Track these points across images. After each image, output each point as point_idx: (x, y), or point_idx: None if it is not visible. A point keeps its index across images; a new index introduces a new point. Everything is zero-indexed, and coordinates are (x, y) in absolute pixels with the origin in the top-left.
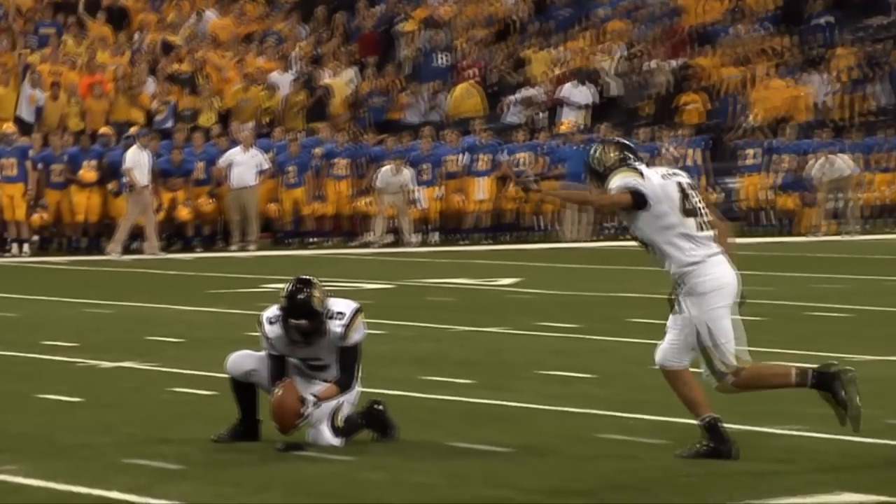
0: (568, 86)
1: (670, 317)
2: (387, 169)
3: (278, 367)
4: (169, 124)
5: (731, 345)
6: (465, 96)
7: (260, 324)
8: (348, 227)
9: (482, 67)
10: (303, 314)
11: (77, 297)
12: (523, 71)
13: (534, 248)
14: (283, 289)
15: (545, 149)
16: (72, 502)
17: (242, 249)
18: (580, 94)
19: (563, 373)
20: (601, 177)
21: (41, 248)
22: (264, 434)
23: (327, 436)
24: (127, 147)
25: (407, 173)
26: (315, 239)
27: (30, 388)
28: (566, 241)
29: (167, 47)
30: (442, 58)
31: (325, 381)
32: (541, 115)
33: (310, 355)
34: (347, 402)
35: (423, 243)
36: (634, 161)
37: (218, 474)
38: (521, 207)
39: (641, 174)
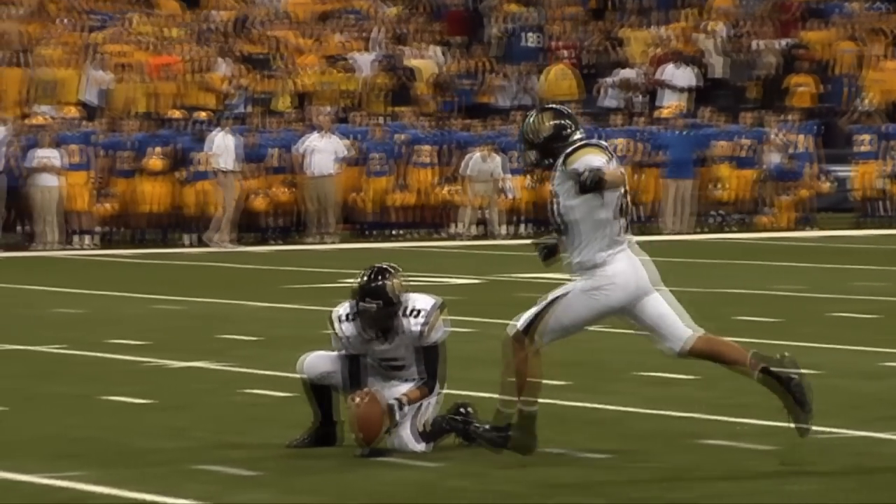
0: (669, 67)
1: None
2: (476, 156)
3: (354, 367)
4: (242, 108)
5: (556, 332)
6: (559, 78)
7: (332, 322)
8: (433, 219)
9: (577, 48)
10: (376, 296)
11: (145, 293)
12: (621, 51)
13: None
14: (359, 274)
15: (645, 134)
16: None
17: (321, 242)
18: (682, 75)
19: (664, 374)
20: (536, 146)
21: (107, 241)
22: (344, 438)
23: (412, 441)
24: (199, 134)
25: (497, 160)
26: (398, 231)
27: (94, 389)
28: (666, 234)
29: (241, 26)
30: (533, 37)
31: (405, 380)
32: (640, 98)
33: (387, 354)
34: (431, 404)
35: (514, 235)
36: (573, 131)
37: (294, 482)
38: None
39: (610, 157)
